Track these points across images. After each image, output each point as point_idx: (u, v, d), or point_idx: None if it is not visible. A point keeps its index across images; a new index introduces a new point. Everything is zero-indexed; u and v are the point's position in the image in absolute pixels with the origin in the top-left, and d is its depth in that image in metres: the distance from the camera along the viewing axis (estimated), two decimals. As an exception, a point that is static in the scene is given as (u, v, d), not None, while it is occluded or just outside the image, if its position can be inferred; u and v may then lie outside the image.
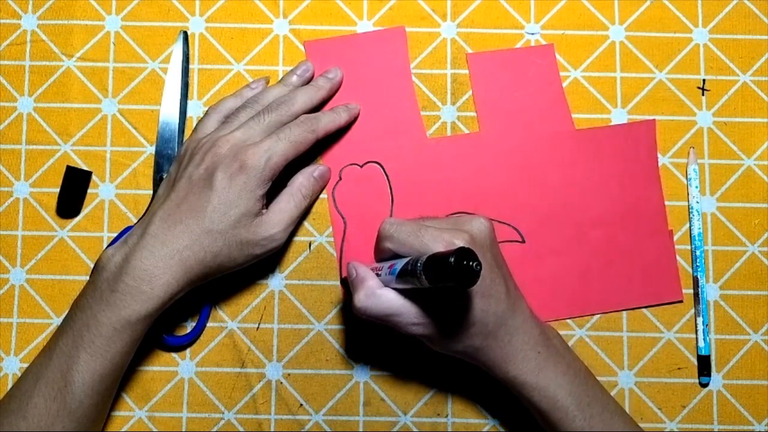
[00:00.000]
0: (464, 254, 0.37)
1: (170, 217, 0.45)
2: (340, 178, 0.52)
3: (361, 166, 0.52)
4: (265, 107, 0.49)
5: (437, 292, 0.43)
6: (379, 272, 0.45)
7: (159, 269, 0.44)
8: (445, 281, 0.38)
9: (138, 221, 0.48)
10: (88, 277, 0.51)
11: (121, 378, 0.47)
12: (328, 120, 0.50)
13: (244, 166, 0.46)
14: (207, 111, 0.51)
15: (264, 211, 0.48)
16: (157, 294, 0.44)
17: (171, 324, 0.51)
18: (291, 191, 0.49)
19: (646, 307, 0.51)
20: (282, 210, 0.48)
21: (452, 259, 0.37)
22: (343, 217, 0.52)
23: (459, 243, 0.41)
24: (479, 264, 0.37)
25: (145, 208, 0.51)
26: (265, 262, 0.50)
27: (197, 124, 0.51)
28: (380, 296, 0.44)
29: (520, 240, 0.52)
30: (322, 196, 0.52)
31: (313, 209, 0.52)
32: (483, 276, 0.42)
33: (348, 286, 0.47)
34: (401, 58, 0.54)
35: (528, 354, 0.45)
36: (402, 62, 0.54)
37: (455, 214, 0.51)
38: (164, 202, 0.46)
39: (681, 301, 0.51)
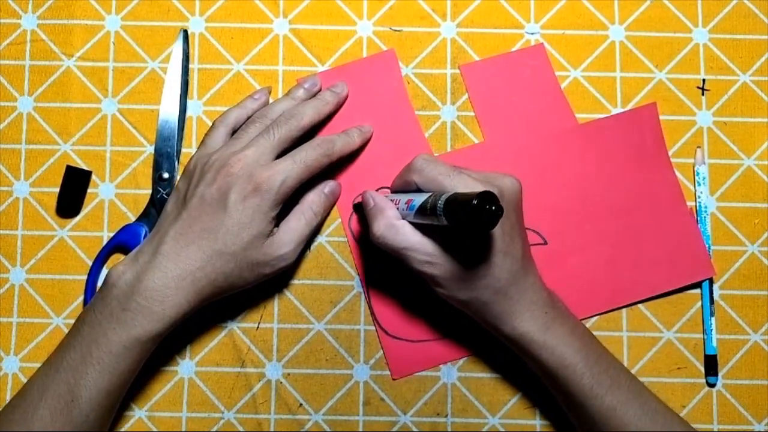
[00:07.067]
0: (487, 198, 0.38)
1: (183, 237, 0.45)
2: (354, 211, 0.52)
3: None
4: (273, 121, 0.48)
5: (455, 235, 0.44)
6: (396, 204, 0.46)
7: (171, 290, 0.44)
8: (464, 222, 0.38)
9: (148, 237, 0.48)
10: (86, 277, 0.51)
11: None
12: (343, 143, 0.50)
13: (259, 188, 0.45)
14: (214, 123, 0.51)
15: (275, 230, 0.48)
16: (168, 314, 0.44)
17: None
18: (302, 209, 0.49)
19: (679, 289, 0.51)
20: (292, 229, 0.48)
21: (475, 201, 0.37)
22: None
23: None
24: (501, 209, 0.38)
25: (144, 207, 0.51)
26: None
27: (204, 137, 0.50)
28: (398, 228, 0.45)
29: (543, 242, 0.51)
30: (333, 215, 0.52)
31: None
32: (504, 233, 0.44)
33: (360, 211, 0.47)
34: (396, 81, 0.53)
35: (536, 313, 0.45)
36: (397, 85, 0.53)
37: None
38: (175, 220, 0.46)
39: (713, 276, 0.51)
